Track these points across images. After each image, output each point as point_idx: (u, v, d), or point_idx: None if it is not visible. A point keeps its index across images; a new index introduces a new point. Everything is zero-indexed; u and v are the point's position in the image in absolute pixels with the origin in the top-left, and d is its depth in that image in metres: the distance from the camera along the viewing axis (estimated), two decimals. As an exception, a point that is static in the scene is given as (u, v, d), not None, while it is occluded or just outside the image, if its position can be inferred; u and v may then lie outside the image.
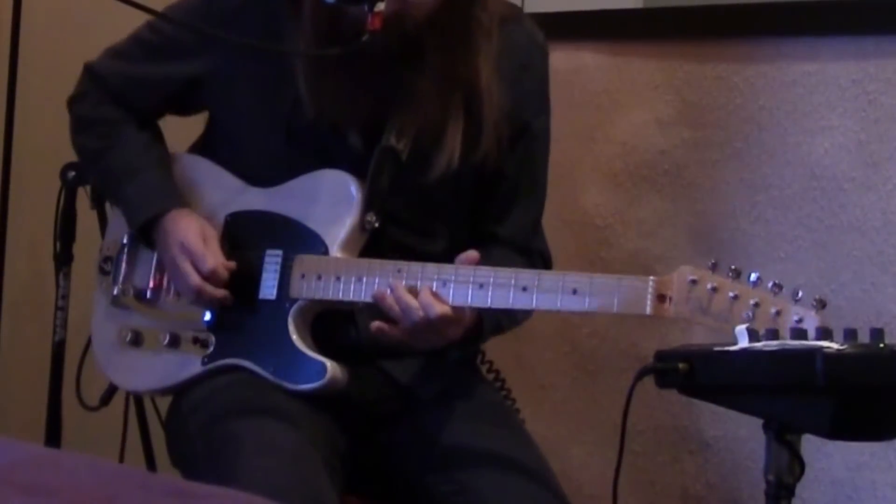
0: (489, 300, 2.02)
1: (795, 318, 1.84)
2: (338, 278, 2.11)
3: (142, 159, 2.28)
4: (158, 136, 2.36)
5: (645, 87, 2.81)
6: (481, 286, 2.02)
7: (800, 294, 1.85)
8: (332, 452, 2.11)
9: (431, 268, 2.07)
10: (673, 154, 2.77)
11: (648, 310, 1.92)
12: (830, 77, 2.56)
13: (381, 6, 2.06)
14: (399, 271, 2.07)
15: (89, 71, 2.36)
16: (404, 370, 2.23)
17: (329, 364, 2.11)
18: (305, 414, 2.11)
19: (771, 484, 1.88)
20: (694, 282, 1.89)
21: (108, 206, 2.44)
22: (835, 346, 1.82)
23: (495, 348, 2.54)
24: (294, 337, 2.14)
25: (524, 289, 2.00)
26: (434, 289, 2.04)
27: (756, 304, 1.85)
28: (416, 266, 2.07)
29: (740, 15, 2.66)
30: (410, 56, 2.11)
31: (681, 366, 1.90)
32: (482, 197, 2.28)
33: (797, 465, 1.88)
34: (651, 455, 2.78)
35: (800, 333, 1.85)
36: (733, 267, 1.89)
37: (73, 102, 2.37)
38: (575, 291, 1.97)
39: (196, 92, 2.30)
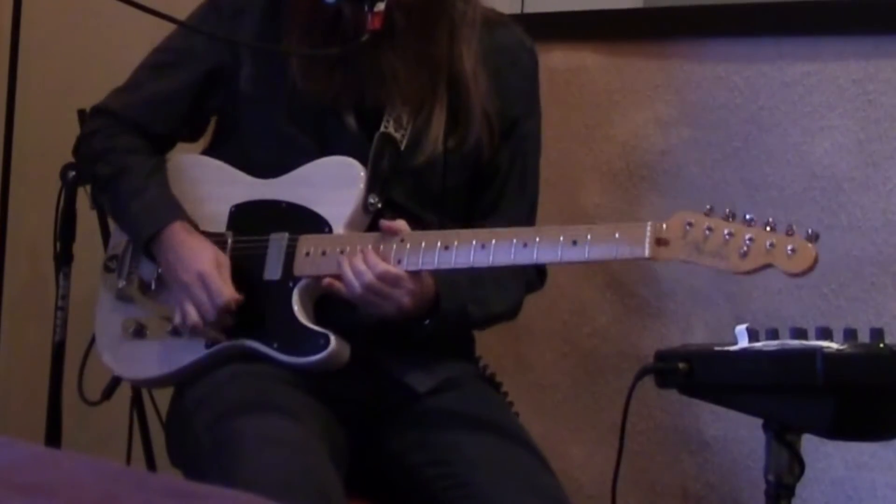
0: (491, 258, 2.04)
1: (789, 248, 1.85)
2: (342, 252, 2.14)
3: (147, 181, 2.31)
4: (165, 162, 2.38)
5: (645, 87, 2.81)
6: (483, 246, 2.05)
7: (794, 228, 1.86)
8: (334, 445, 2.12)
9: (433, 234, 2.10)
10: (673, 154, 2.77)
11: (647, 252, 1.94)
12: (830, 77, 2.56)
13: (380, 6, 2.09)
14: (402, 241, 2.10)
15: (98, 111, 2.38)
16: (401, 365, 2.24)
17: (332, 336, 2.14)
18: (307, 408, 2.13)
19: (771, 484, 1.89)
20: (690, 224, 1.92)
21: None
22: (835, 345, 1.82)
23: (495, 348, 2.54)
24: (296, 308, 2.17)
25: (525, 245, 2.02)
26: (437, 253, 2.07)
27: (751, 239, 1.88)
28: (418, 234, 2.10)
29: (740, 15, 2.66)
30: (383, 37, 2.14)
31: (681, 366, 1.91)
32: (475, 192, 2.32)
33: (797, 465, 1.88)
34: (651, 455, 2.78)
35: (800, 333, 1.86)
36: (728, 210, 1.90)
37: (81, 143, 2.38)
38: (575, 242, 1.99)
39: (210, 89, 2.33)
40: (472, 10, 2.27)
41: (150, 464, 2.65)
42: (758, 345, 1.87)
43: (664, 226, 1.94)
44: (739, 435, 2.64)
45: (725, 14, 2.68)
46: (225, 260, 2.23)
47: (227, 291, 2.19)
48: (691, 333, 2.71)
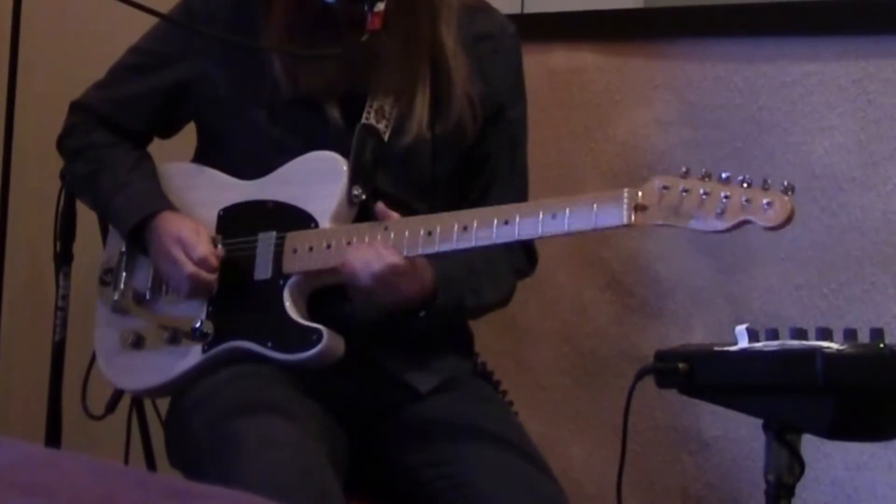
0: (473, 239, 2.06)
1: (765, 202, 1.85)
2: (328, 246, 2.15)
3: (130, 175, 2.32)
4: (147, 157, 2.40)
5: (645, 87, 2.81)
6: (465, 228, 2.06)
7: (768, 182, 1.86)
8: (334, 446, 2.12)
9: (416, 220, 2.11)
10: (673, 154, 2.77)
11: (625, 220, 1.95)
12: (830, 77, 2.56)
13: (380, 6, 2.09)
14: (386, 229, 2.11)
15: (76, 106, 2.41)
16: (401, 364, 2.24)
17: (324, 330, 2.14)
18: (306, 408, 2.13)
19: (771, 484, 1.89)
20: (666, 188, 1.92)
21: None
22: (835, 346, 1.82)
23: (495, 348, 2.54)
24: (287, 305, 2.17)
25: (506, 222, 2.03)
26: (421, 240, 2.08)
27: (727, 197, 1.88)
28: (401, 221, 2.12)
29: (740, 15, 2.66)
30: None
31: (681, 366, 1.91)
32: (465, 180, 2.32)
33: (797, 465, 1.88)
34: (651, 455, 2.78)
35: (800, 333, 1.86)
36: (704, 170, 1.91)
37: (63, 139, 2.41)
38: (554, 216, 2.00)
39: (183, 97, 2.35)
40: None
41: (150, 464, 2.65)
42: (758, 345, 1.87)
43: (640, 193, 1.94)
44: (739, 435, 2.64)
45: (725, 14, 2.68)
46: (204, 228, 2.24)
47: (202, 246, 2.20)
48: (691, 333, 2.71)
